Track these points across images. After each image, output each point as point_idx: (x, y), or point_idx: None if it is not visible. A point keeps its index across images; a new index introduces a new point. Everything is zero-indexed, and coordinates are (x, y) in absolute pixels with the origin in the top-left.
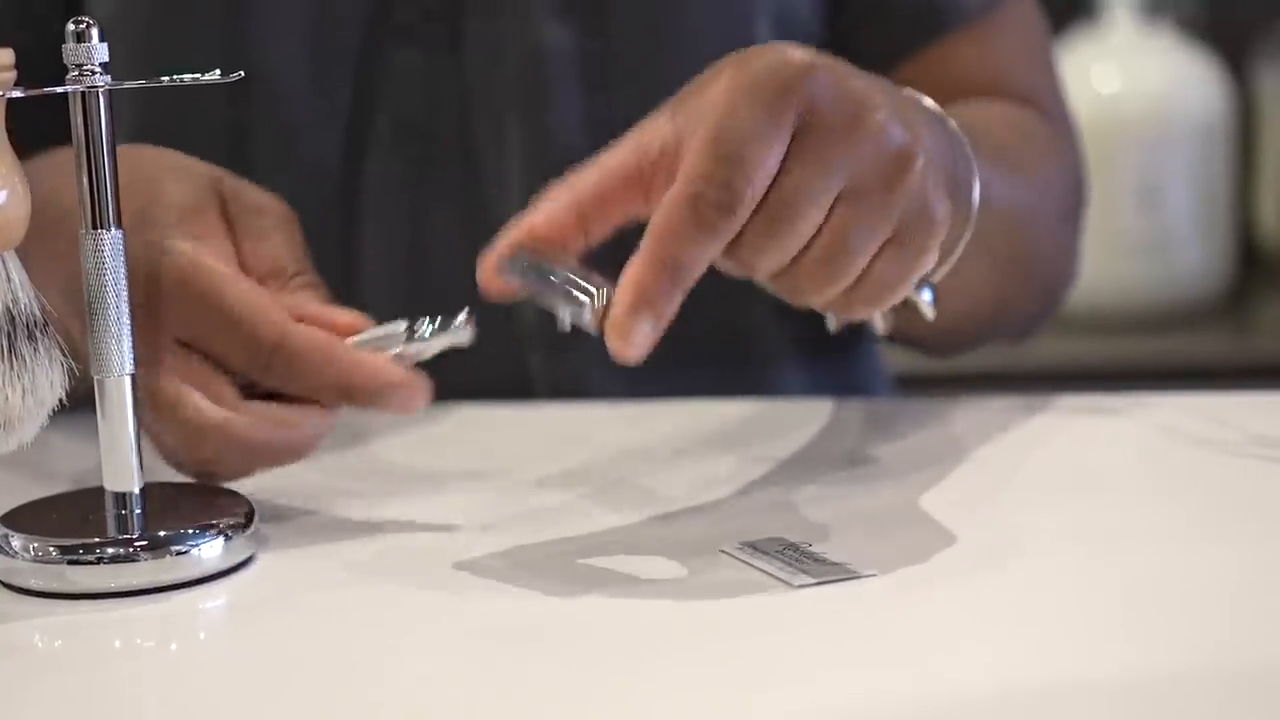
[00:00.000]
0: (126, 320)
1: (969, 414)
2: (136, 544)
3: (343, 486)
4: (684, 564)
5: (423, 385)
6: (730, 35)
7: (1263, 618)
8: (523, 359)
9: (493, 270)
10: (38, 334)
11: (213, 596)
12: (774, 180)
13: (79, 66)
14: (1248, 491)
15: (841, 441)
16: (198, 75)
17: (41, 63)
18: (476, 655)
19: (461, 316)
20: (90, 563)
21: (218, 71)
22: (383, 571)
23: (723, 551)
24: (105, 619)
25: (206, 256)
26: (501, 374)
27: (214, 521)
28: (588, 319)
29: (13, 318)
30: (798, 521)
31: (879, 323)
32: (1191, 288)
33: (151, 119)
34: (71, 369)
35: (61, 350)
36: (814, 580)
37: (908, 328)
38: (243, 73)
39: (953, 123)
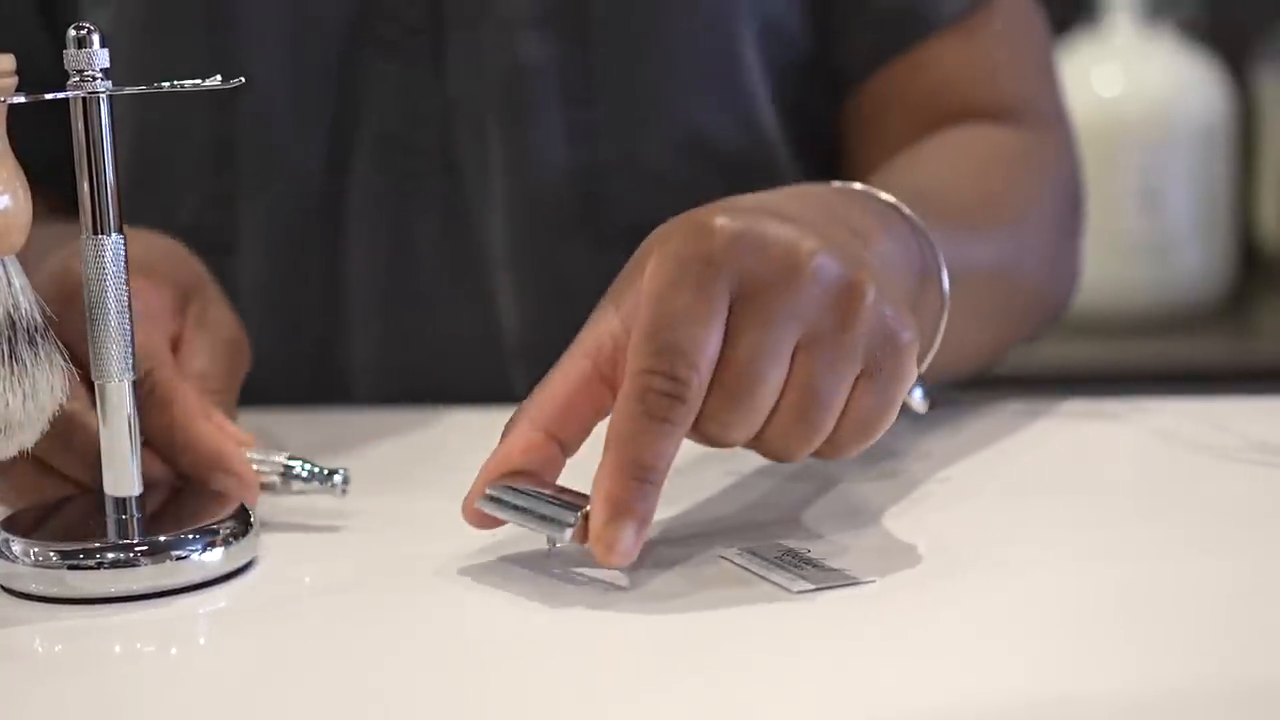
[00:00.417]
0: (127, 325)
1: (969, 419)
2: (137, 549)
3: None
4: (683, 570)
5: (255, 490)
6: (713, 47)
7: (1262, 627)
8: (504, 370)
9: (473, 508)
10: (38, 339)
11: (213, 601)
12: (726, 353)
13: (80, 72)
14: (1247, 498)
15: None
16: (198, 81)
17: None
18: (476, 661)
19: (340, 476)
20: (90, 568)
21: (218, 77)
22: (383, 577)
23: (722, 557)
24: (105, 624)
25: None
26: (484, 384)
27: (214, 526)
28: (571, 539)
29: (13, 323)
30: (797, 527)
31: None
32: (1192, 290)
33: (139, 133)
34: (71, 374)
35: (62, 355)
36: (813, 586)
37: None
38: (243, 79)
39: (908, 210)
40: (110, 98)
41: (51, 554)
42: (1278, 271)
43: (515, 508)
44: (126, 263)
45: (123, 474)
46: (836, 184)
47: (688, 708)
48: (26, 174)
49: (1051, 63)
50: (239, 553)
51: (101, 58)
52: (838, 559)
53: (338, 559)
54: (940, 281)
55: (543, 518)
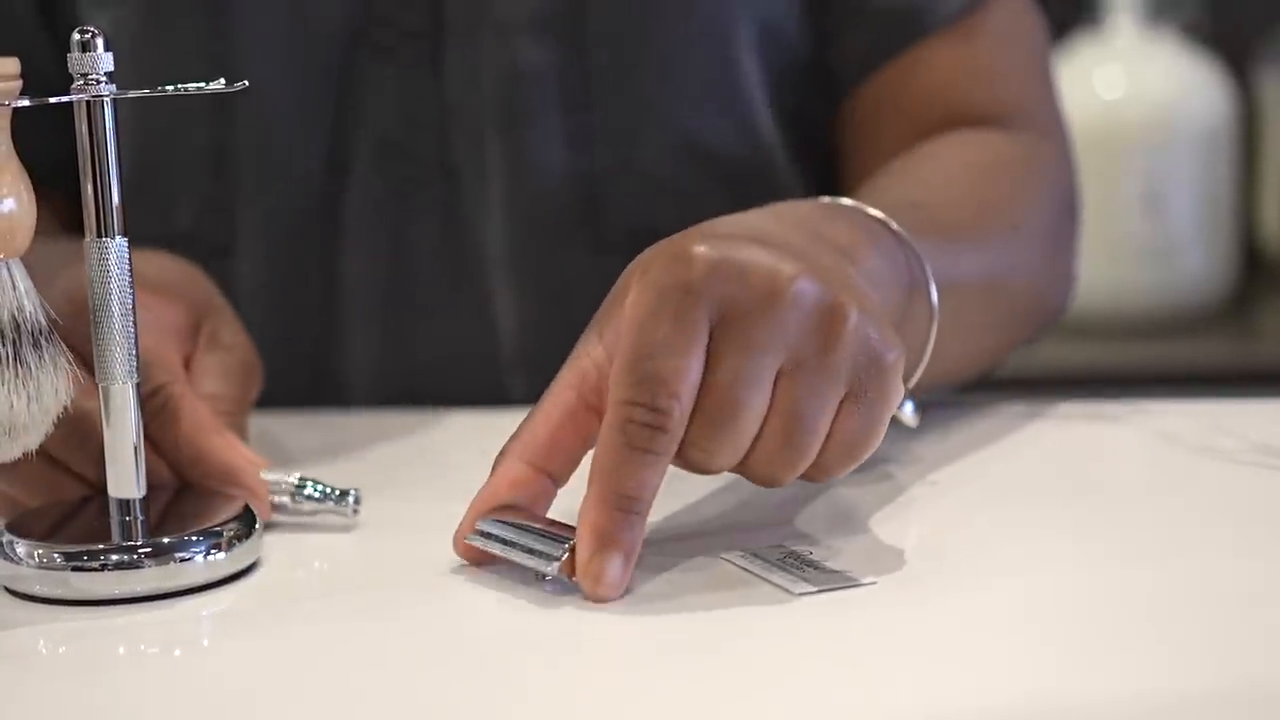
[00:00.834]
0: (131, 328)
1: (970, 420)
2: (140, 550)
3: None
4: (685, 572)
5: (266, 506)
6: (710, 52)
7: (1262, 629)
8: (501, 375)
9: (463, 543)
10: (43, 341)
11: (216, 603)
12: (708, 379)
13: (84, 76)
14: (1248, 500)
15: None
16: (202, 84)
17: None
18: (477, 662)
19: (352, 496)
20: (94, 569)
21: (222, 80)
22: (385, 579)
23: (723, 559)
24: (109, 626)
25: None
26: (482, 389)
27: (218, 528)
28: (557, 572)
29: (18, 325)
30: (799, 529)
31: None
32: (1194, 293)
33: (138, 138)
34: (76, 376)
35: (66, 358)
36: (815, 588)
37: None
38: (246, 82)
39: (894, 225)
40: (114, 101)
41: (55, 556)
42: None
43: (504, 542)
44: (131, 266)
45: (126, 476)
46: (824, 200)
47: (690, 709)
48: (30, 177)
49: (1049, 67)
50: (242, 555)
51: (106, 61)
52: (838, 561)
53: (340, 561)
54: (929, 294)
55: (531, 551)
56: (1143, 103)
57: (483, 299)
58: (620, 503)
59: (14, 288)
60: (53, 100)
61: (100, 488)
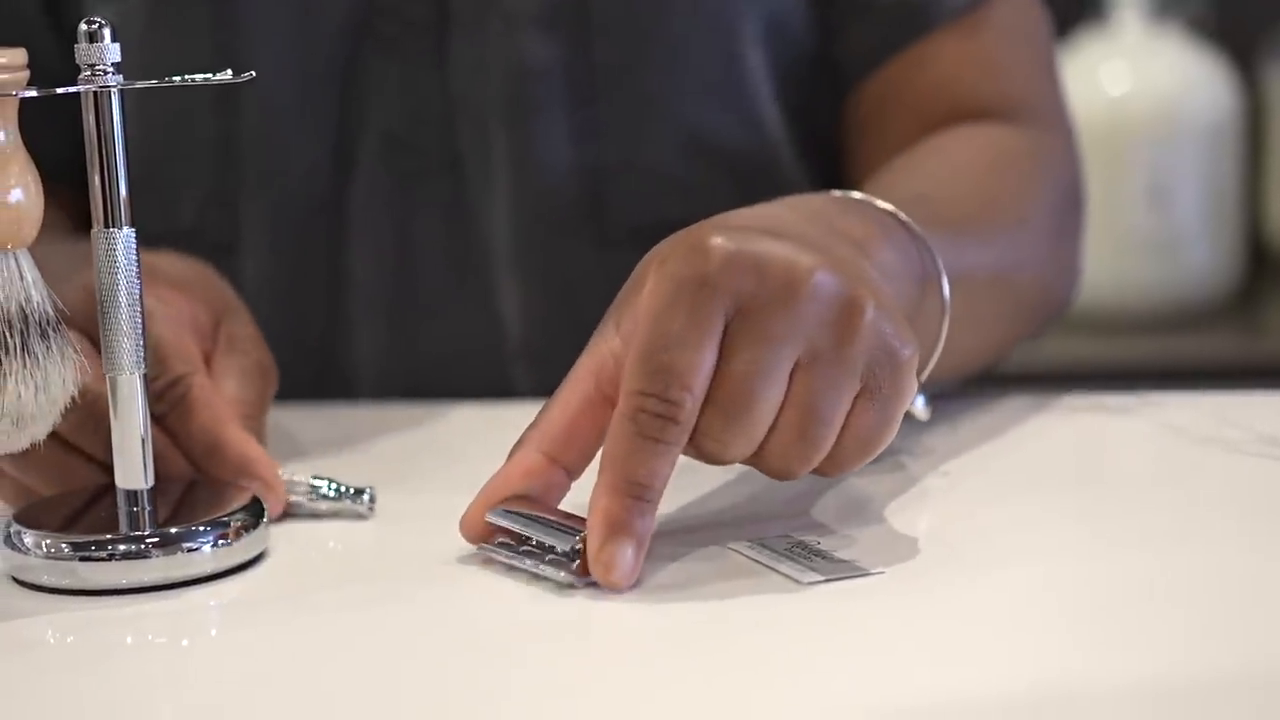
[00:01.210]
0: (139, 318)
1: (978, 412)
2: (148, 541)
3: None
4: (693, 561)
5: (281, 497)
6: (716, 45)
7: (1267, 618)
8: (506, 369)
9: (474, 526)
10: (50, 332)
11: (224, 593)
12: (724, 369)
13: (91, 66)
14: (1254, 491)
15: None
16: (208, 75)
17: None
18: (486, 651)
19: (367, 495)
20: (102, 559)
21: (229, 71)
22: (393, 569)
23: (731, 549)
24: (117, 615)
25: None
26: (486, 384)
27: (225, 519)
28: (571, 567)
29: (25, 316)
30: (806, 519)
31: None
32: (1200, 287)
33: (142, 132)
34: (84, 366)
35: (74, 348)
36: (822, 578)
37: None
38: (253, 73)
39: (906, 218)
40: (121, 92)
41: (63, 546)
42: None
43: (514, 534)
44: (138, 257)
45: (134, 467)
46: (836, 193)
47: (699, 697)
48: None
49: (1054, 61)
50: (250, 545)
51: (113, 52)
52: (846, 550)
53: (347, 551)
54: (941, 288)
55: (541, 546)
56: (1148, 97)
57: (488, 293)
58: (631, 490)
59: (21, 278)
60: (60, 91)
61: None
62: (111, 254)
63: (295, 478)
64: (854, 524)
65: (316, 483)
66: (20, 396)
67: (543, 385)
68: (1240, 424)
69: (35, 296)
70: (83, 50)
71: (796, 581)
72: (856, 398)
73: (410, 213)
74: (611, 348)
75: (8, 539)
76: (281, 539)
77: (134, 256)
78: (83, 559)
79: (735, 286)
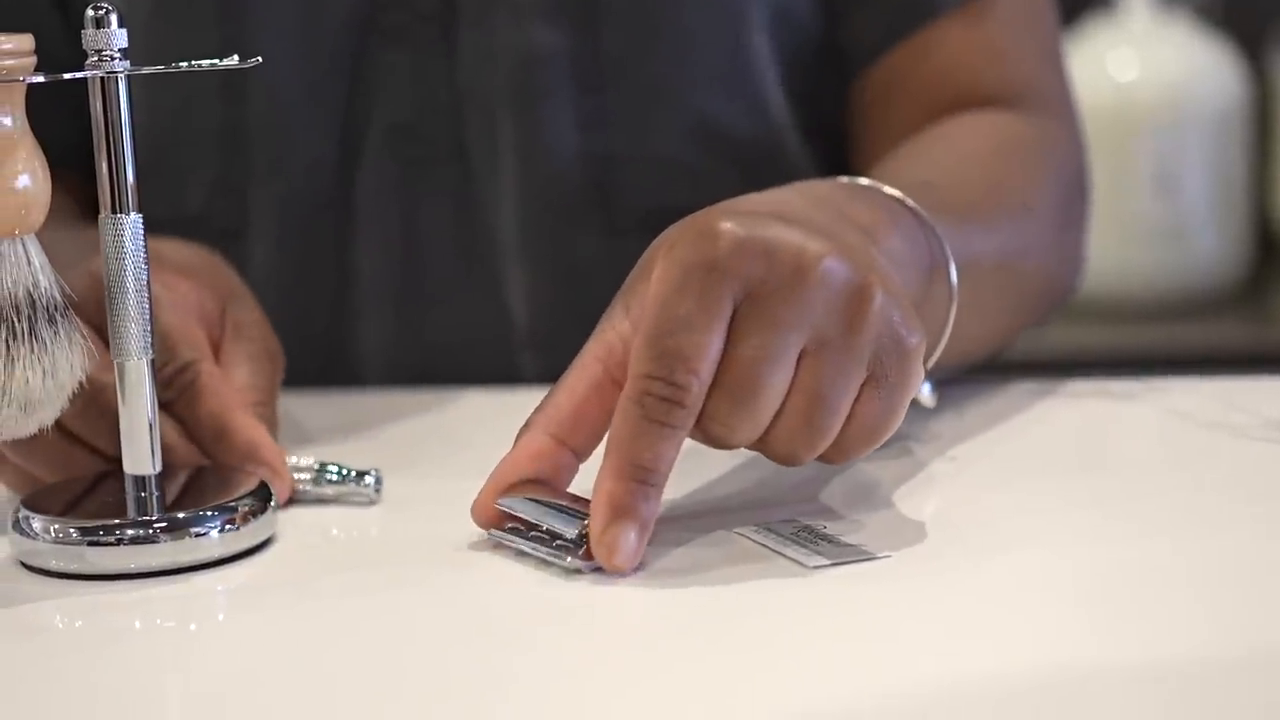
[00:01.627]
0: (146, 304)
1: (984, 398)
2: (156, 526)
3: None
4: (699, 546)
5: (287, 483)
6: (723, 34)
7: (1274, 601)
8: (513, 358)
9: (485, 512)
10: (58, 317)
11: (231, 578)
12: (731, 354)
13: (98, 52)
14: (1260, 475)
15: None
16: (215, 61)
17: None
18: (493, 636)
19: (371, 477)
20: (110, 544)
21: (236, 57)
22: (400, 555)
23: (738, 534)
24: (125, 600)
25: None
26: (493, 372)
27: (232, 504)
28: (577, 552)
29: (33, 301)
30: (813, 504)
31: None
32: (1208, 275)
33: (149, 121)
34: (92, 351)
35: (81, 334)
36: (829, 562)
37: None
38: (259, 59)
39: (914, 204)
40: (128, 78)
41: (71, 531)
42: None
43: (521, 519)
44: (145, 242)
45: (141, 452)
46: (843, 179)
47: (705, 681)
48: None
49: (1059, 48)
50: (257, 530)
51: (120, 38)
52: (852, 535)
53: (354, 537)
54: (949, 275)
55: (549, 533)
56: (1156, 85)
57: (495, 281)
58: (636, 474)
59: (29, 263)
60: (67, 76)
61: (116, 461)
62: (119, 239)
63: (300, 462)
64: (860, 509)
65: (322, 468)
66: (28, 382)
67: (550, 373)
68: (1246, 409)
69: (43, 282)
70: (89, 36)
71: (803, 566)
72: (863, 385)
73: (417, 202)
74: (620, 332)
75: (16, 524)
76: (289, 524)
77: (141, 242)
78: (91, 544)
79: (744, 271)
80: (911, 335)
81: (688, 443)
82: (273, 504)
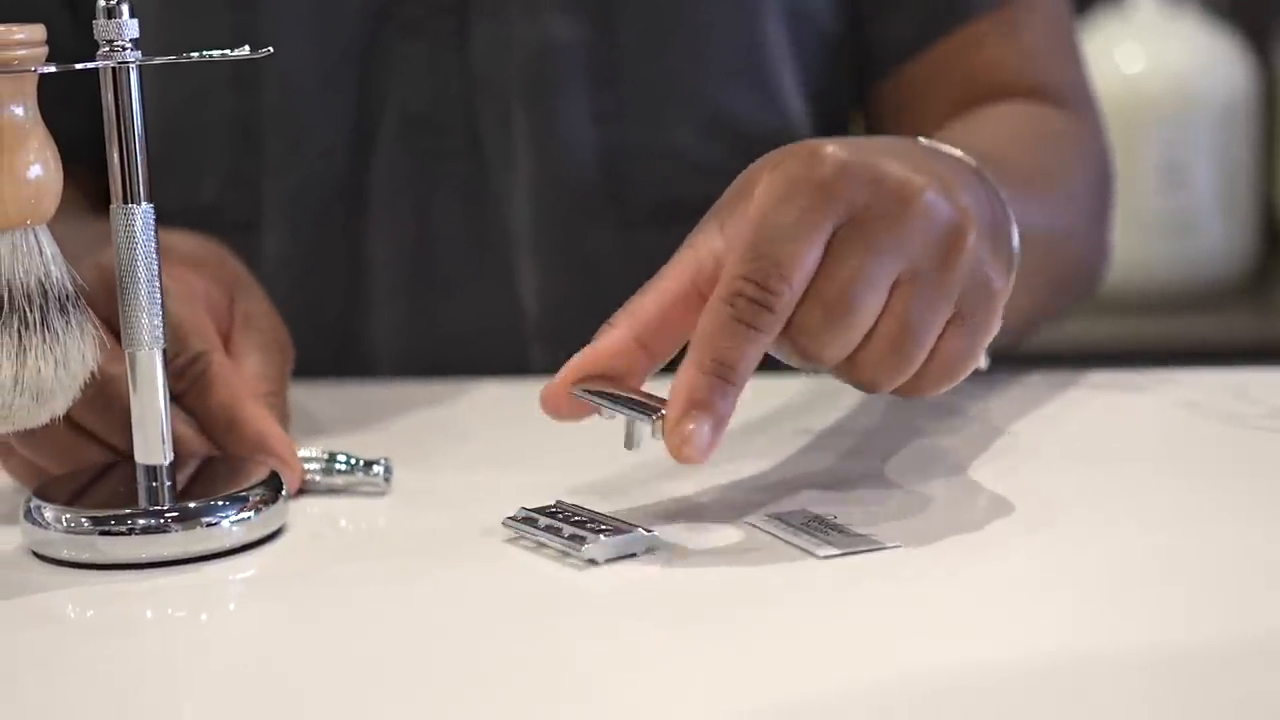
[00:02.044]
0: (157, 294)
1: (994, 390)
2: (167, 515)
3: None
4: (710, 536)
5: (298, 474)
6: (738, 28)
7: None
8: (525, 350)
9: (557, 398)
10: (69, 307)
11: (242, 568)
12: (829, 270)
13: (110, 42)
14: (1269, 464)
15: (869, 416)
16: (226, 50)
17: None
18: (506, 627)
19: (379, 467)
20: (122, 534)
21: (247, 47)
22: (411, 545)
23: (748, 523)
24: (137, 590)
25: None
26: (505, 364)
27: (244, 493)
28: (652, 432)
29: (45, 291)
30: (823, 494)
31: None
32: (1215, 267)
33: (162, 112)
34: (102, 341)
35: (93, 324)
36: (839, 551)
37: None
38: (271, 49)
39: (985, 170)
40: (140, 68)
41: (83, 520)
42: None
43: (601, 403)
44: (157, 232)
45: (153, 441)
46: (922, 139)
47: (715, 671)
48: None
49: (1079, 46)
50: (269, 519)
51: (131, 28)
52: (862, 525)
53: (365, 527)
54: (1010, 236)
55: (628, 414)
56: (1163, 77)
57: (507, 273)
58: (717, 369)
59: (41, 253)
60: (79, 66)
61: (123, 453)
62: (130, 230)
63: (310, 453)
64: (871, 498)
65: (331, 458)
66: (40, 372)
67: (559, 364)
68: (1256, 400)
69: (55, 272)
70: (101, 26)
71: (812, 555)
72: (948, 322)
73: (430, 193)
74: (712, 248)
75: (28, 513)
76: (300, 515)
77: (153, 232)
78: (103, 533)
79: (850, 195)
80: (999, 278)
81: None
82: (284, 494)
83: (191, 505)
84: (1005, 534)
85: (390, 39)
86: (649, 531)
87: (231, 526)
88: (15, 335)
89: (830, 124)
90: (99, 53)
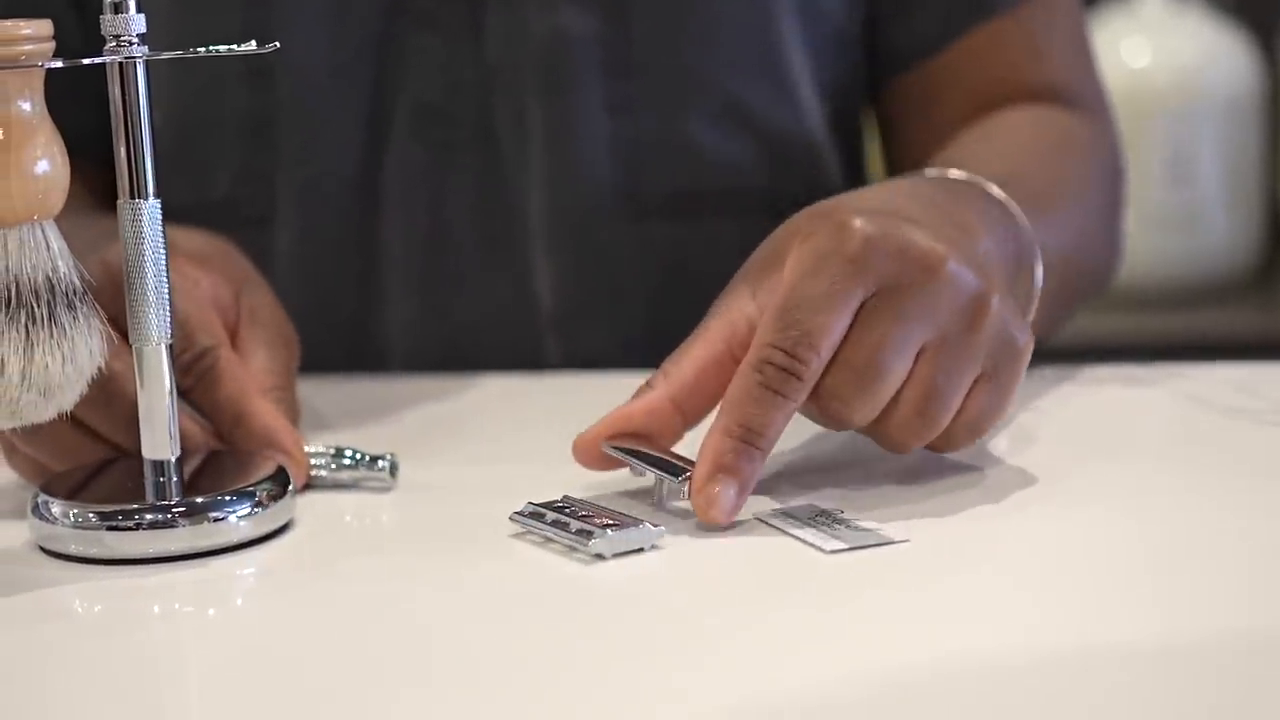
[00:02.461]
0: (165, 289)
1: None
2: (174, 510)
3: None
4: (718, 531)
5: (304, 469)
6: (751, 20)
7: None
8: (539, 342)
9: (589, 451)
10: (77, 302)
11: (249, 563)
12: (857, 338)
13: (117, 37)
14: (1274, 459)
15: None
16: (234, 46)
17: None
18: (511, 622)
19: (385, 461)
20: (129, 529)
21: (254, 43)
22: (418, 539)
23: (756, 518)
24: (144, 584)
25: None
26: (519, 356)
27: (251, 489)
28: (682, 493)
29: (52, 286)
30: (831, 489)
31: None
32: (1221, 261)
33: (175, 107)
34: (110, 336)
35: (100, 318)
36: (846, 546)
37: None
38: (277, 44)
39: (1011, 204)
40: (147, 63)
41: (90, 515)
42: None
43: (632, 460)
44: (164, 228)
45: (160, 437)
46: (931, 172)
47: (724, 664)
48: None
49: (1091, 46)
50: (276, 515)
51: (138, 23)
52: (870, 520)
53: (374, 522)
54: (1034, 271)
55: (657, 474)
56: (1169, 71)
57: (521, 265)
58: (744, 435)
59: (48, 248)
60: (86, 61)
61: (125, 450)
62: (138, 225)
63: (317, 448)
64: (878, 495)
65: (338, 453)
66: (48, 367)
67: (573, 357)
68: (1261, 395)
69: (62, 267)
70: (108, 21)
71: (820, 549)
72: (975, 382)
73: (444, 186)
74: (746, 312)
75: (35, 509)
76: (306, 509)
77: (159, 227)
78: (110, 528)
79: (877, 268)
80: (1022, 335)
81: (704, 427)
82: (290, 489)
83: (199, 500)
84: (1011, 528)
85: (404, 31)
86: (656, 526)
87: (239, 521)
88: (23, 330)
89: (843, 118)
90: (106, 48)
